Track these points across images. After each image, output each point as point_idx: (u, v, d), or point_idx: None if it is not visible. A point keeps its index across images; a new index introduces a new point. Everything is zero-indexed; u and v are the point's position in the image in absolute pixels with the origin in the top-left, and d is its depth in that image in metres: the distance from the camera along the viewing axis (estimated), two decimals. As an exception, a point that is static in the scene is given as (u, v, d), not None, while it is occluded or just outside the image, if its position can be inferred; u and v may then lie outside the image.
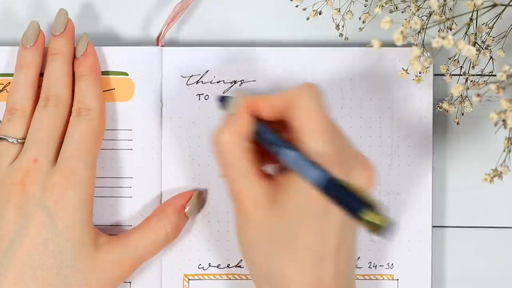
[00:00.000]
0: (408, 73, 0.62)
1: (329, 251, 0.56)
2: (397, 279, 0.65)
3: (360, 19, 0.64)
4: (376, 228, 0.53)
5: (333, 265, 0.57)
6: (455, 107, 0.63)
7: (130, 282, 0.64)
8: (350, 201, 0.54)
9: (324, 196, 0.55)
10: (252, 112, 0.59)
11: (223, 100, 0.61)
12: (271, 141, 0.58)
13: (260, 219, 0.57)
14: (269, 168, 0.60)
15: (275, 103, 0.59)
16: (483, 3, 0.56)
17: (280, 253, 0.57)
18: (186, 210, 0.63)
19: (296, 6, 0.64)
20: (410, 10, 0.61)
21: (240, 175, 0.58)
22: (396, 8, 0.63)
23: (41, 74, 0.63)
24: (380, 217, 0.52)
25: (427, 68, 0.56)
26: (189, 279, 0.65)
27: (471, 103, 0.63)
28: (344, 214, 0.54)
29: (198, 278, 0.65)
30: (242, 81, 0.65)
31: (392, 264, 0.65)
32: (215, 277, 0.65)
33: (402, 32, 0.53)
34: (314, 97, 0.58)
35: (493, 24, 0.61)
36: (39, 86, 0.63)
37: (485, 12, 0.59)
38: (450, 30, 0.61)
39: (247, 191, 0.57)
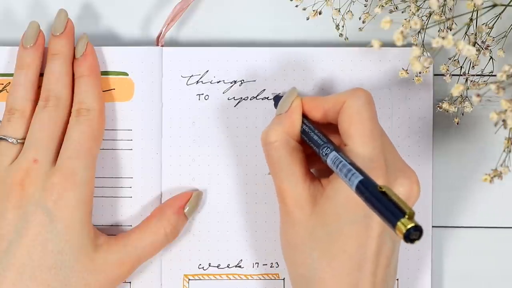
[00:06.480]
0: (408, 73, 0.62)
1: (367, 258, 0.56)
2: (397, 279, 0.65)
3: (360, 19, 0.64)
4: (410, 240, 0.50)
5: (371, 274, 0.56)
6: (455, 107, 0.63)
7: (130, 282, 0.64)
8: (388, 208, 0.51)
9: (362, 200, 0.53)
10: (300, 112, 0.59)
11: (277, 99, 0.61)
12: (316, 142, 0.58)
13: (300, 220, 0.57)
14: (315, 171, 0.60)
15: (324, 105, 0.59)
16: (483, 3, 0.56)
17: (318, 257, 0.57)
18: (185, 211, 0.63)
19: (296, 6, 0.64)
20: (410, 10, 0.61)
21: (285, 175, 0.58)
22: (396, 8, 0.63)
23: (41, 74, 0.63)
24: (414, 228, 0.50)
25: (427, 68, 0.56)
26: (189, 279, 0.65)
27: (471, 103, 0.63)
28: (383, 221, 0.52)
29: (198, 278, 0.65)
30: (242, 81, 0.65)
31: (392, 264, 0.65)
32: (215, 277, 0.65)
33: (402, 32, 0.53)
34: (363, 101, 0.57)
35: (493, 24, 0.61)
36: (39, 86, 0.63)
37: (485, 12, 0.59)
38: (450, 30, 0.61)
39: (290, 190, 0.58)
